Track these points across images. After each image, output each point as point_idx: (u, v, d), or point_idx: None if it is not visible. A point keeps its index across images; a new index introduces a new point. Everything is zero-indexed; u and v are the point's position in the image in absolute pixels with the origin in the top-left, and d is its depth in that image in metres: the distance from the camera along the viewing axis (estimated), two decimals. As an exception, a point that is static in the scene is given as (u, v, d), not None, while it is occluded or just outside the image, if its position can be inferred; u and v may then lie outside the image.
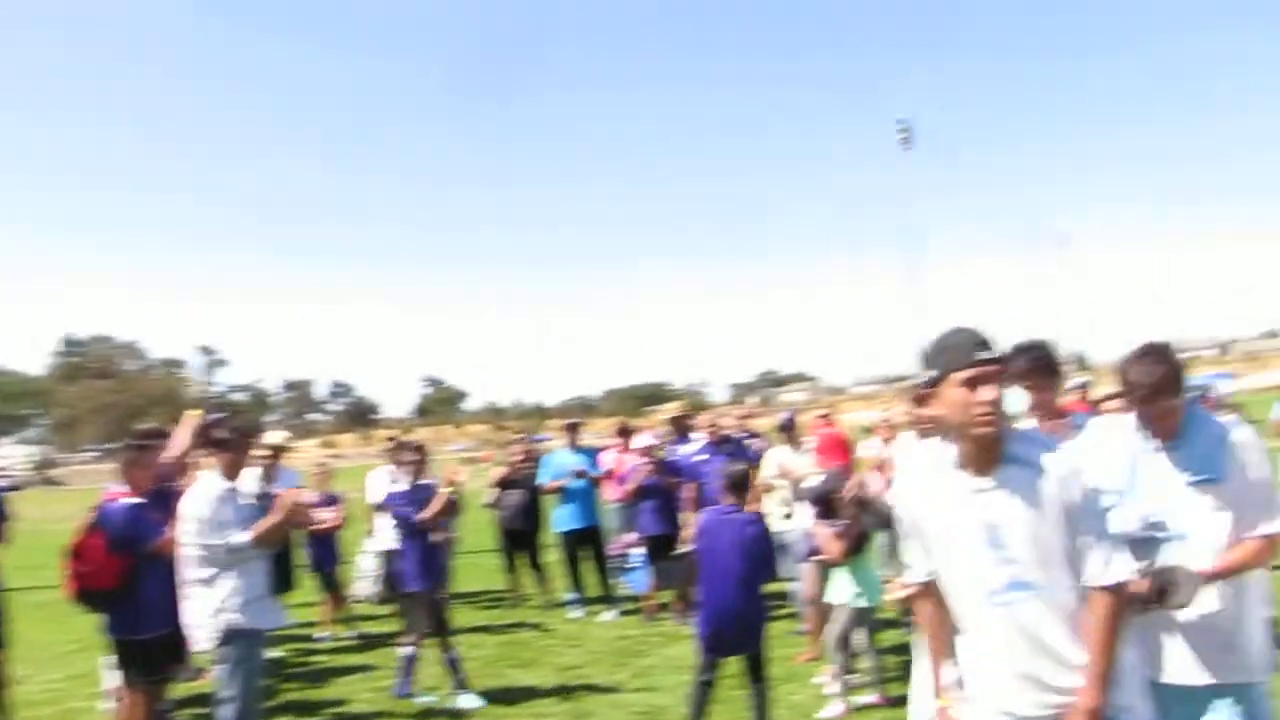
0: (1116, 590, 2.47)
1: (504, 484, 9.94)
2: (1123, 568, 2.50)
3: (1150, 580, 2.84)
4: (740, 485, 5.29)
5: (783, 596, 8.15)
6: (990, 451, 2.53)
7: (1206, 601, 2.88)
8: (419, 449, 7.03)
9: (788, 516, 7.50)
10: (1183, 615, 2.89)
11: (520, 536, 9.92)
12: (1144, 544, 2.97)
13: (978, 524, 2.56)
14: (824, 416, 9.35)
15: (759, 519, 5.31)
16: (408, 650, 6.54)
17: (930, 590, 2.76)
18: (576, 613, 9.23)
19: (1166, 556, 2.94)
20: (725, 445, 8.65)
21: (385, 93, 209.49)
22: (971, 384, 2.45)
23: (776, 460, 8.00)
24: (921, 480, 2.72)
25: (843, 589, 5.78)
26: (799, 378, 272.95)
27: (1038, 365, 3.44)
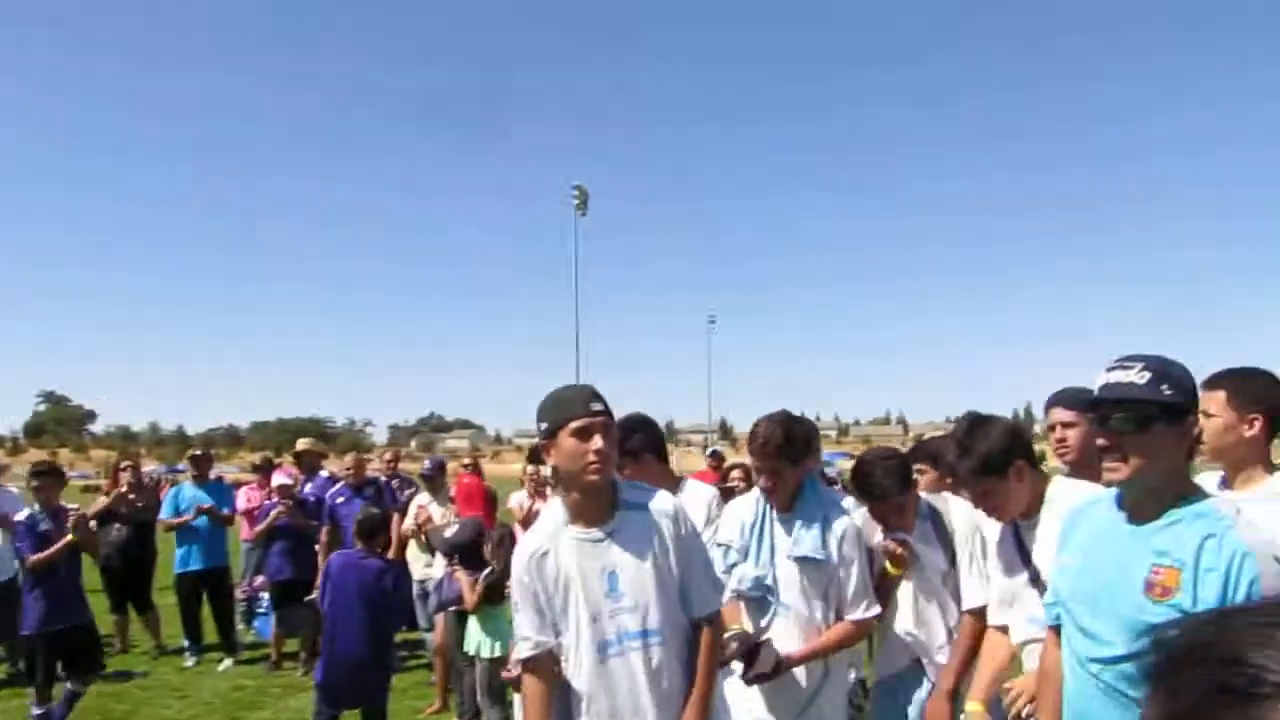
0: (714, 621, 2.76)
1: (105, 517, 8.88)
2: (721, 599, 2.83)
3: (738, 644, 3.13)
4: (373, 531, 5.22)
5: (419, 646, 8.02)
6: (602, 499, 2.67)
7: (791, 673, 3.24)
8: (50, 473, 6.31)
9: (428, 565, 7.46)
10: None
11: (122, 576, 8.96)
12: (756, 604, 3.27)
13: (595, 574, 2.63)
14: (467, 466, 9.43)
15: (390, 566, 5.27)
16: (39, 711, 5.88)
17: (539, 663, 2.70)
18: (191, 661, 8.51)
19: (773, 623, 3.25)
20: (367, 488, 8.46)
21: None
22: (583, 434, 2.55)
23: (416, 507, 7.94)
24: (537, 541, 2.73)
25: (477, 640, 5.82)
26: (463, 424, 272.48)
27: (641, 442, 3.67)
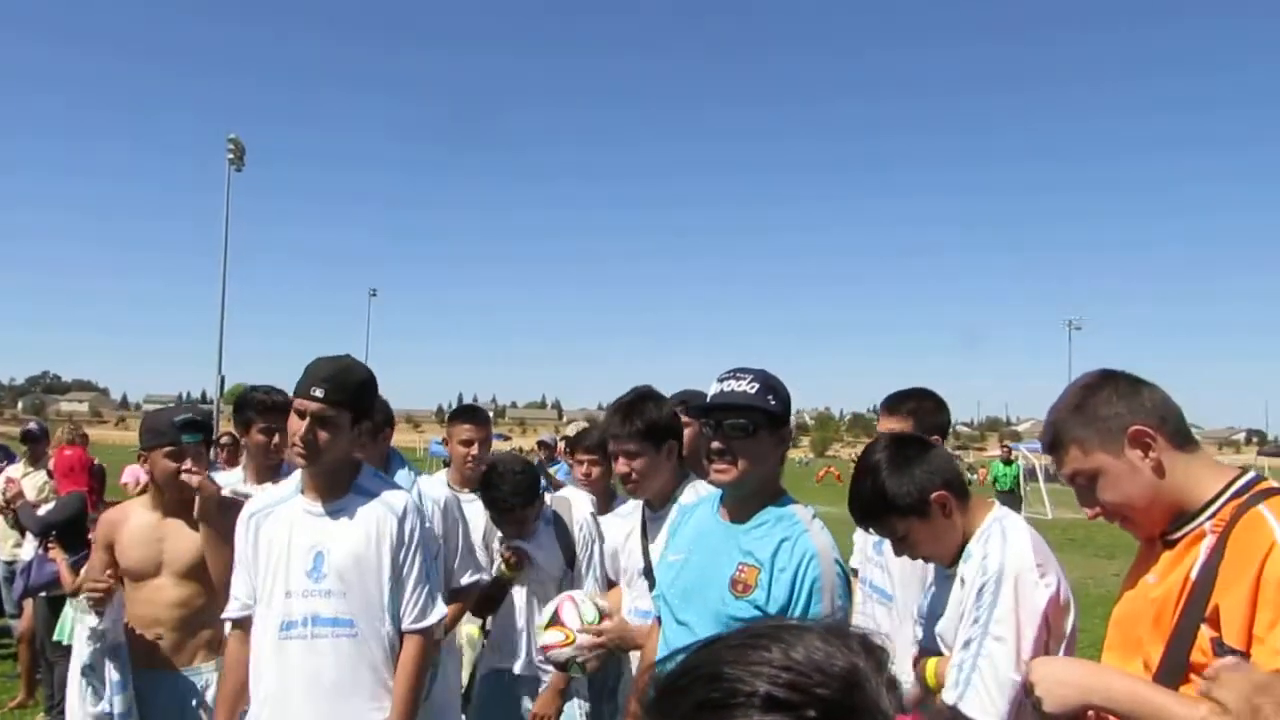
0: (426, 634, 2.60)
1: None
2: (437, 613, 2.63)
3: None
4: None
5: (5, 634, 7.08)
6: (334, 477, 2.61)
7: None
8: None
9: (17, 545, 6.60)
10: None
11: None
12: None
13: (303, 550, 2.56)
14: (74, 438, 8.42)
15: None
16: None
17: (244, 626, 2.66)
18: None
19: None
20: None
21: None
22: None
23: (4, 480, 6.98)
24: (262, 501, 2.73)
25: (72, 627, 5.25)
26: (83, 385, 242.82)
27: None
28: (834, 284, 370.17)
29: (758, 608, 2.18)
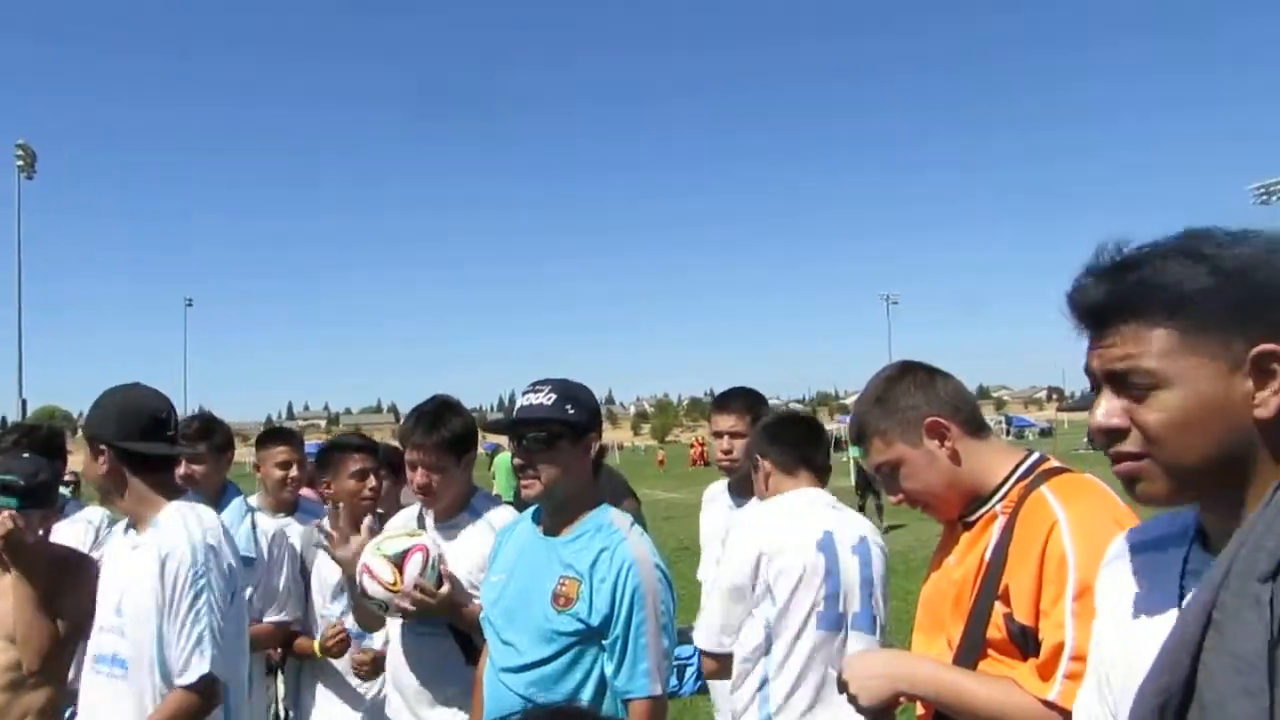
0: (188, 690, 2.30)
1: None
2: (199, 668, 2.29)
3: None
4: None
5: None
6: (139, 507, 2.44)
7: None
8: None
9: None
10: None
11: None
12: None
13: (111, 583, 2.45)
14: None
15: None
16: None
17: None
18: None
19: None
20: None
21: None
22: None
23: None
24: (118, 528, 2.63)
25: None
26: None
27: None
28: (665, 275, 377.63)
29: (580, 620, 2.18)
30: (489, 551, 2.61)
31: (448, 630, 2.69)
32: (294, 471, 3.80)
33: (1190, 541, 1.13)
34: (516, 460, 2.28)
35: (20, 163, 32.04)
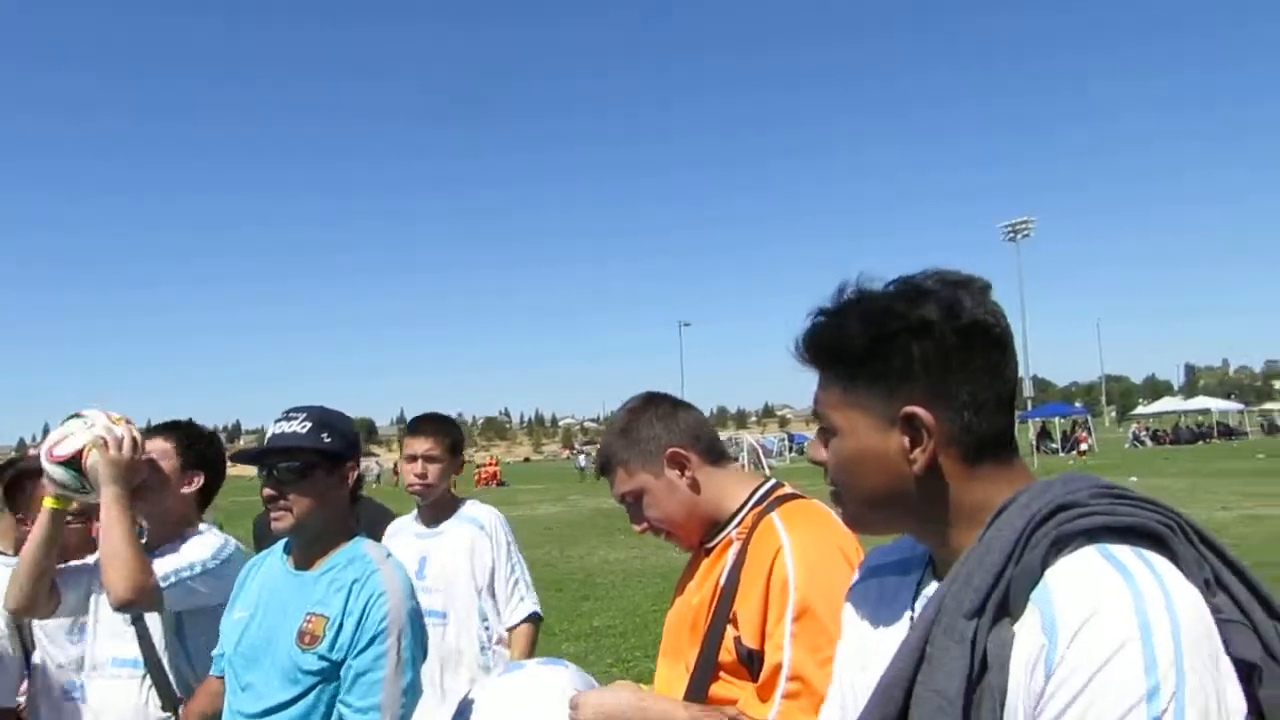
0: None
1: None
2: None
3: None
4: None
5: None
6: None
7: None
8: None
9: None
10: None
11: None
12: None
13: None
14: None
15: None
16: None
17: None
18: None
19: None
20: None
21: None
22: None
23: None
24: None
25: None
26: None
27: None
28: (456, 295, 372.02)
29: (323, 658, 2.09)
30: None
31: (144, 671, 2.55)
32: None
33: (925, 567, 1.17)
34: (267, 491, 2.17)
35: None
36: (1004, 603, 0.94)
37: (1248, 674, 0.90)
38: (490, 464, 51.08)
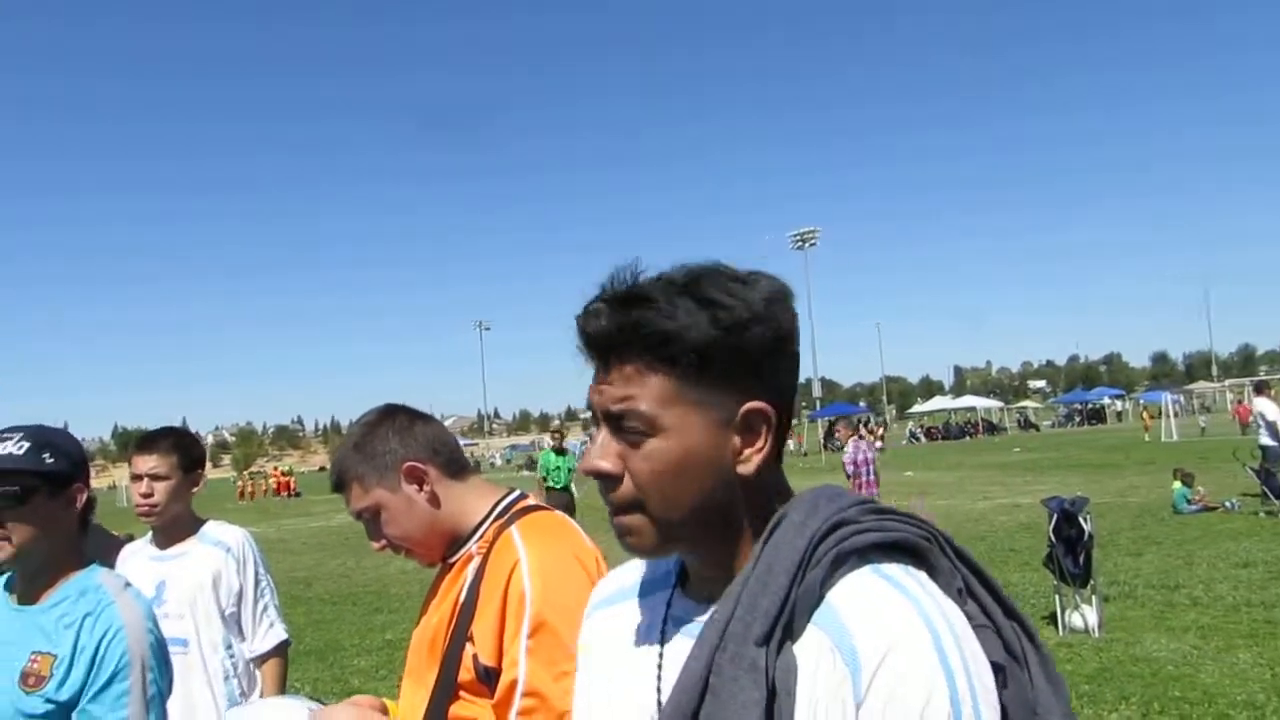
0: None
1: None
2: None
3: None
4: None
5: None
6: None
7: None
8: None
9: None
10: None
11: None
12: None
13: None
14: None
15: None
16: None
17: None
18: None
19: None
20: None
21: None
22: None
23: None
24: None
25: None
26: None
27: None
28: (246, 300, 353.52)
29: (50, 700, 1.89)
30: None
31: None
32: None
33: (672, 585, 1.10)
34: None
35: None
36: (789, 625, 0.90)
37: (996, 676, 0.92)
38: (275, 473, 49.07)
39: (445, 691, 1.65)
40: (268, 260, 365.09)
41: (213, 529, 3.28)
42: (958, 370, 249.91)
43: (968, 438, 54.06)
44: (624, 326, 0.97)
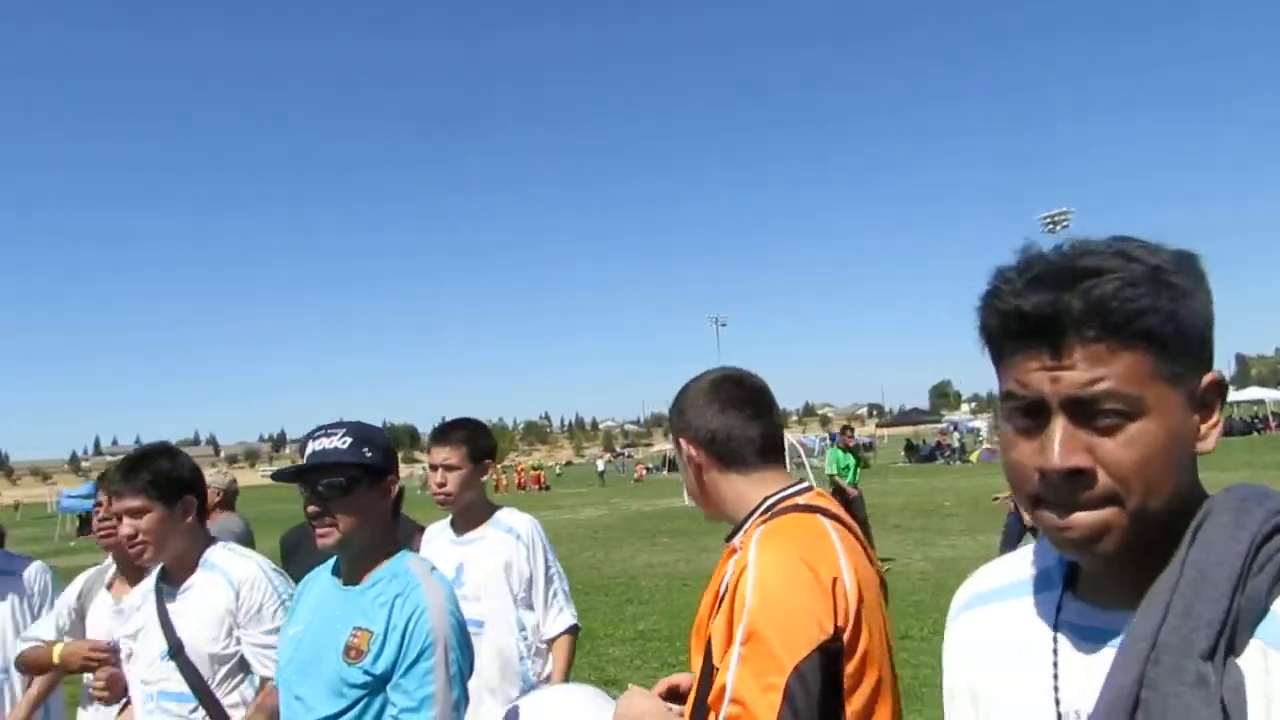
0: None
1: None
2: None
3: None
4: None
5: None
6: None
7: None
8: None
9: None
10: None
11: None
12: None
13: None
14: None
15: None
16: None
17: None
18: None
19: None
20: None
21: None
22: None
23: None
24: None
25: None
26: None
27: None
28: (493, 299, 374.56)
29: (367, 672, 2.10)
30: (225, 606, 2.60)
31: (196, 703, 2.57)
32: None
33: (1059, 587, 1.01)
34: (310, 508, 2.18)
35: None
36: (1231, 638, 0.82)
37: None
38: (520, 467, 51.60)
39: (705, 678, 1.66)
40: (517, 262, 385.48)
41: (504, 516, 3.45)
42: (1240, 359, 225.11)
43: (1255, 433, 48.35)
44: (1089, 302, 0.87)
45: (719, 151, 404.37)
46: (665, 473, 54.34)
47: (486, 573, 3.32)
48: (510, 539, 3.38)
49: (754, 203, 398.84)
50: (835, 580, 1.54)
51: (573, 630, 3.46)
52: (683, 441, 1.81)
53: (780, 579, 1.54)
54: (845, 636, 1.51)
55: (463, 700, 2.16)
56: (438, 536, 3.53)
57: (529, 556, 3.37)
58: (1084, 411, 0.88)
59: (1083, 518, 0.89)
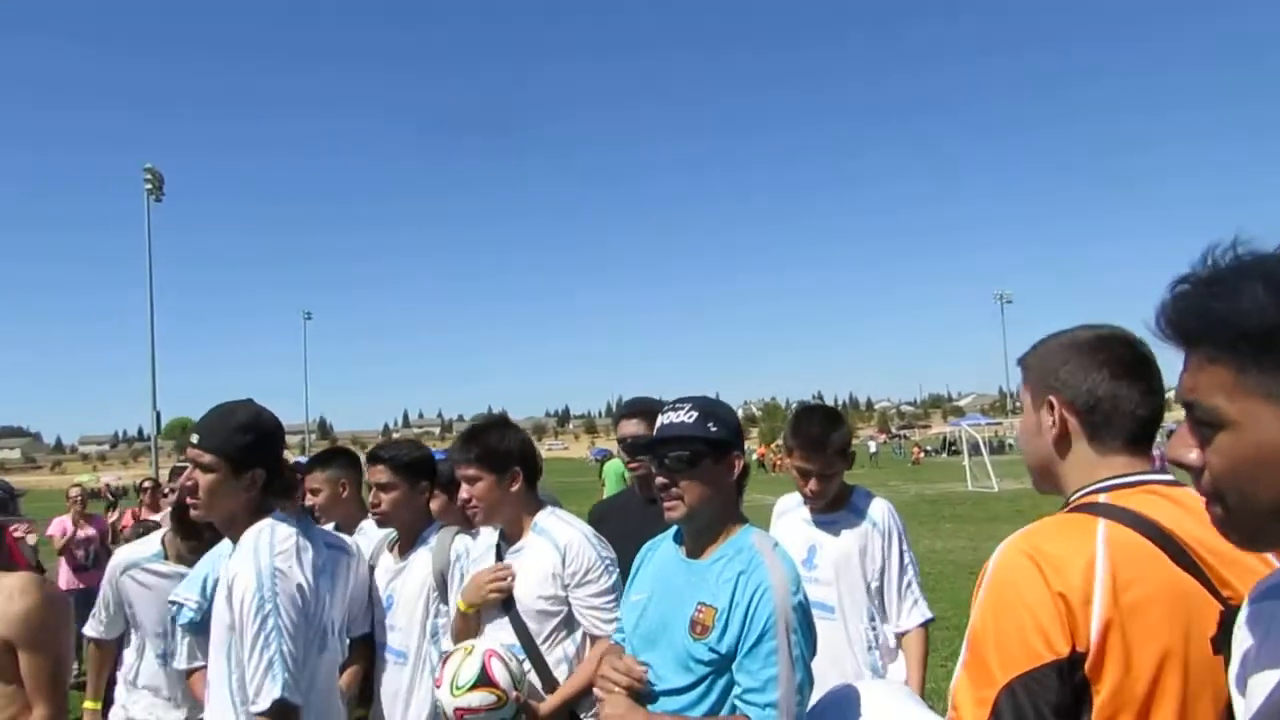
0: (268, 715, 2.33)
1: None
2: (270, 693, 2.32)
3: None
4: None
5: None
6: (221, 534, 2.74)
7: None
8: None
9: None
10: None
11: None
12: None
13: None
14: None
15: None
16: None
17: None
18: None
19: None
20: None
21: None
22: None
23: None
24: None
25: None
26: (14, 431, 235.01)
27: None
28: (766, 277, 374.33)
29: (712, 649, 2.11)
30: (552, 568, 2.79)
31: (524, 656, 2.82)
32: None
33: None
34: (659, 480, 2.23)
35: (149, 186, 33.75)
36: None
37: None
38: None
39: None
40: (786, 236, 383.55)
41: (861, 500, 3.35)
42: None
43: None
44: (1194, 312, 0.94)
45: (998, 115, 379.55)
46: (944, 455, 52.11)
47: (841, 558, 3.23)
48: (866, 524, 3.27)
49: (1029, 184, 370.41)
50: (1080, 596, 1.34)
51: (927, 623, 3.31)
52: (1053, 400, 1.56)
53: (1011, 586, 1.40)
54: (1088, 660, 1.32)
55: (807, 683, 2.12)
56: (791, 511, 3.45)
57: (884, 545, 3.25)
58: (1192, 416, 0.97)
59: (1210, 507, 0.98)
